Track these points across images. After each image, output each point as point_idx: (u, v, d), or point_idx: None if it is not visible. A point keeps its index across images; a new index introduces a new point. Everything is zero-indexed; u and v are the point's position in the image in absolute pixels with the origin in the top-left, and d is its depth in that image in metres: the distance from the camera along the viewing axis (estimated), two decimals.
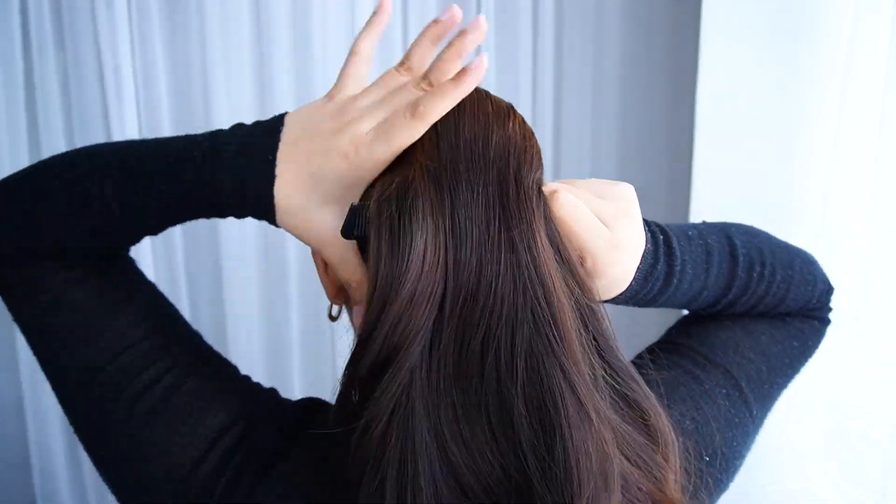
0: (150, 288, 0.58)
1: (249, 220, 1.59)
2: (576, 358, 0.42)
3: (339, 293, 0.56)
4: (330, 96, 0.50)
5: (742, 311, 0.64)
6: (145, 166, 0.48)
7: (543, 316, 0.42)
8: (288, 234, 1.47)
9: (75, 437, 1.62)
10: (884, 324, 1.15)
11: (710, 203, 1.19)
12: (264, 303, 1.43)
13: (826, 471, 1.16)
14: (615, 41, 1.43)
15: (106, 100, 1.29)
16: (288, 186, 0.45)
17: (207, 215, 0.50)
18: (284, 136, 0.47)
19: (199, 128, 1.34)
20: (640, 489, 0.43)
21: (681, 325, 0.67)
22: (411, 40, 1.40)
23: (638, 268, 0.52)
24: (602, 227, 0.48)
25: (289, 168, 0.45)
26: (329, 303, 0.58)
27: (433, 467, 0.41)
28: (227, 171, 0.46)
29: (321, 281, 0.56)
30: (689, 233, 0.58)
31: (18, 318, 0.55)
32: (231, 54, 1.33)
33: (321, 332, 1.43)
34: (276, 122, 0.48)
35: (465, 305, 0.42)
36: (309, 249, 0.56)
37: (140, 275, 0.59)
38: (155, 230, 0.53)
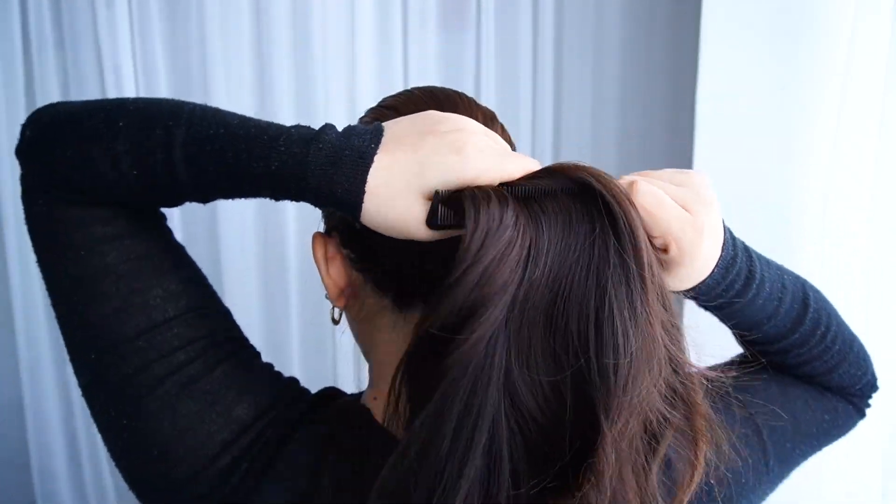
0: (187, 257, 0.55)
1: (249, 221, 1.59)
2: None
3: (340, 295, 0.55)
4: (430, 115, 0.48)
5: (793, 364, 0.65)
6: (228, 129, 0.46)
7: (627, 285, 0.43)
8: (288, 234, 1.47)
9: (75, 437, 1.62)
10: (884, 323, 1.15)
11: None
12: (264, 302, 1.43)
13: (827, 471, 1.16)
14: (615, 41, 1.43)
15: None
16: (387, 172, 0.44)
17: (279, 195, 0.47)
18: (388, 134, 0.45)
19: None
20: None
21: (716, 365, 0.67)
22: (411, 40, 1.41)
23: (720, 256, 0.53)
24: (684, 211, 0.49)
25: (391, 156, 0.44)
26: (331, 306, 0.58)
27: (499, 408, 0.42)
28: (324, 151, 0.44)
29: (323, 281, 0.55)
30: (769, 260, 0.61)
31: (44, 259, 0.52)
32: (231, 54, 1.33)
33: (321, 332, 1.43)
34: (378, 125, 0.47)
35: (547, 278, 0.43)
36: (309, 251, 0.56)
37: (175, 240, 0.56)
38: (213, 196, 0.50)
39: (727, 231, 0.55)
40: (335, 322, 0.59)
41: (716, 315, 0.61)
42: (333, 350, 1.42)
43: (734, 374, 0.56)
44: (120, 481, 0.59)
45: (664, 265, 0.50)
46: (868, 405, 0.70)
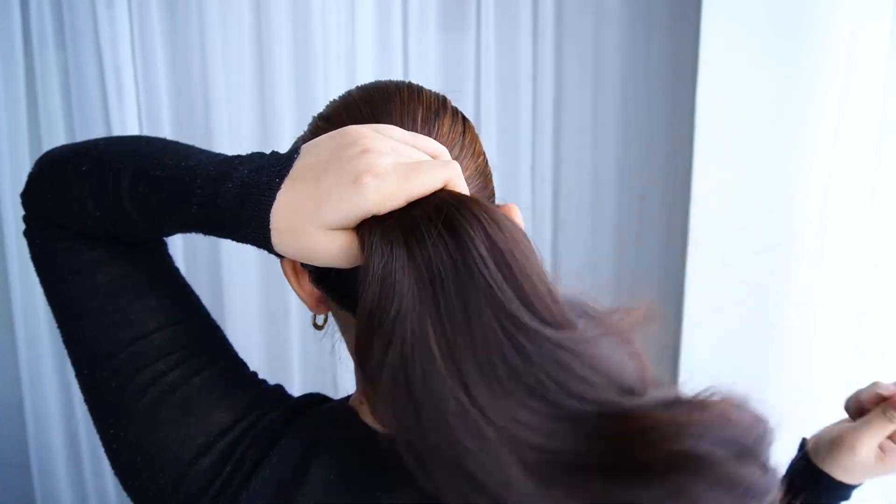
0: (174, 277, 0.59)
1: None
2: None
3: (318, 303, 0.56)
4: (345, 131, 0.48)
5: None
6: (164, 171, 0.48)
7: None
8: None
9: (75, 437, 1.62)
10: (885, 323, 1.15)
11: (710, 203, 1.19)
12: (264, 304, 1.43)
13: None
14: (615, 41, 1.43)
15: (106, 99, 1.29)
16: (287, 209, 0.44)
17: (208, 232, 0.49)
18: (299, 162, 0.45)
19: (198, 127, 1.35)
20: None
21: None
22: (411, 40, 1.41)
23: None
24: None
25: (293, 190, 0.44)
26: (313, 314, 0.59)
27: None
28: (234, 191, 0.45)
29: (297, 294, 0.56)
30: None
31: (45, 286, 0.56)
32: (231, 54, 1.33)
33: (320, 332, 1.43)
34: (293, 152, 0.47)
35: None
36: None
37: (166, 261, 0.59)
38: (163, 234, 0.53)
39: None
40: (318, 328, 0.60)
41: None
42: (333, 358, 1.42)
43: None
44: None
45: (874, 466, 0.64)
46: None
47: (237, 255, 1.38)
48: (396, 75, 1.39)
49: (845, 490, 0.67)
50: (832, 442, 0.68)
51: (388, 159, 0.44)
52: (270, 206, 0.44)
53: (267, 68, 1.34)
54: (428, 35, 1.40)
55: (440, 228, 0.43)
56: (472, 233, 0.43)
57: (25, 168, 1.34)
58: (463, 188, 0.47)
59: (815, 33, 1.07)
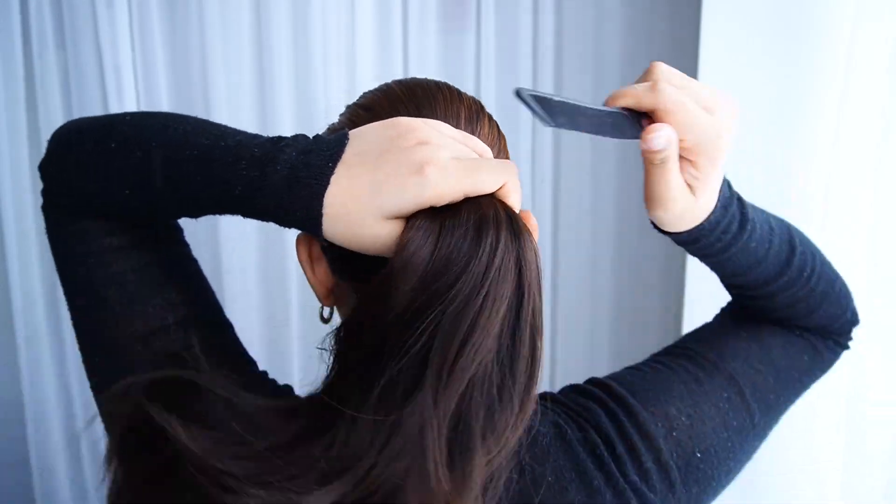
0: (193, 268, 0.58)
1: (251, 223, 1.59)
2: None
3: (328, 294, 0.56)
4: (396, 122, 0.47)
5: (775, 307, 0.65)
6: (201, 151, 0.46)
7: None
8: (289, 234, 1.47)
9: (75, 437, 1.62)
10: (885, 323, 1.15)
11: None
12: (264, 303, 1.43)
13: (832, 474, 1.16)
14: (615, 42, 1.43)
15: (106, 99, 1.29)
16: (343, 195, 0.43)
17: (247, 215, 0.48)
18: (350, 148, 0.45)
19: None
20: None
21: (695, 334, 0.69)
22: (411, 40, 1.41)
23: (719, 194, 0.53)
24: (708, 119, 0.47)
25: (349, 177, 0.43)
26: (321, 305, 0.58)
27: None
28: (282, 173, 0.44)
29: (309, 282, 0.56)
30: (754, 205, 0.62)
31: (59, 265, 0.55)
32: (231, 54, 1.33)
33: (321, 333, 1.43)
34: (342, 137, 0.46)
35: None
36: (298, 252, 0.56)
37: (185, 250, 0.59)
38: (195, 214, 0.51)
39: (725, 178, 0.56)
40: (324, 321, 0.59)
41: (710, 262, 0.62)
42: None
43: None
44: None
45: (684, 198, 0.50)
46: (850, 338, 0.71)
47: (237, 255, 1.38)
48: (396, 75, 1.39)
49: (691, 234, 0.56)
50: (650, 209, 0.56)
51: (446, 152, 0.44)
52: (323, 191, 0.43)
53: (267, 68, 1.34)
54: (428, 35, 1.40)
55: (507, 235, 0.44)
56: (528, 255, 0.44)
57: (25, 168, 1.35)
58: (518, 190, 0.47)
59: (815, 33, 1.07)
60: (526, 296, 0.44)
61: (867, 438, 1.17)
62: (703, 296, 1.22)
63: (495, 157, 0.52)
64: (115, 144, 0.49)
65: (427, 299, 0.42)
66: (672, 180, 0.49)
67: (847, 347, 0.71)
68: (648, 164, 0.49)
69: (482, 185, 0.45)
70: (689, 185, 0.50)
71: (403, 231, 0.44)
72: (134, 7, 1.29)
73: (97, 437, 1.30)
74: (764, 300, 0.65)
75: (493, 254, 0.43)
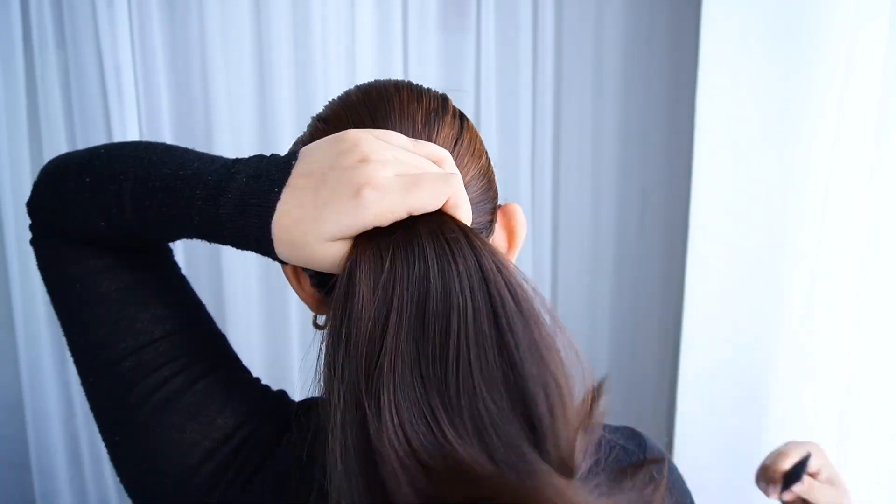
0: (179, 283, 0.59)
1: None
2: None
3: (319, 305, 0.57)
4: (343, 137, 0.47)
5: None
6: (163, 182, 0.48)
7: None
8: None
9: (75, 437, 1.62)
10: (884, 322, 1.15)
11: (710, 203, 1.19)
12: (264, 304, 1.43)
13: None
14: (615, 41, 1.43)
15: (107, 99, 1.29)
16: (289, 218, 0.44)
17: (213, 241, 0.49)
18: (297, 169, 0.45)
19: (199, 127, 1.35)
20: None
21: None
22: (411, 40, 1.41)
23: None
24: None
25: (293, 201, 0.44)
26: (313, 314, 0.59)
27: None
28: (233, 201, 0.45)
29: (299, 296, 0.57)
30: None
31: (52, 294, 0.56)
32: (231, 54, 1.33)
33: (321, 334, 1.43)
34: (290, 157, 0.46)
35: (417, 308, 0.43)
36: None
37: (172, 268, 0.59)
38: (169, 240, 0.53)
39: None
40: (318, 327, 0.59)
41: None
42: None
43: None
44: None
45: None
46: None
47: (238, 256, 1.38)
48: (396, 75, 1.39)
49: None
50: None
51: (388, 170, 0.44)
52: (271, 217, 0.44)
53: (267, 68, 1.34)
54: (428, 35, 1.40)
55: (437, 255, 0.44)
56: (461, 269, 0.43)
57: (25, 168, 1.35)
58: (465, 203, 0.46)
59: (814, 33, 1.07)
60: (491, 303, 0.43)
61: (867, 438, 1.17)
62: (704, 296, 1.22)
63: (459, 156, 0.52)
64: (90, 179, 0.51)
65: (380, 320, 0.43)
66: None
67: None
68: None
69: (422, 202, 0.44)
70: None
71: (346, 256, 0.44)
72: (134, 7, 1.29)
73: (97, 436, 1.30)
74: None
75: (426, 271, 0.43)
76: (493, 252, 0.45)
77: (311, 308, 0.57)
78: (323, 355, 0.45)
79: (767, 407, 1.17)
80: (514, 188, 1.47)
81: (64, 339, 0.57)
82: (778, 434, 1.12)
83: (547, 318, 0.45)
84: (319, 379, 0.46)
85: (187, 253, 1.40)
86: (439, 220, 0.45)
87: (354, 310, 0.43)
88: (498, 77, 1.43)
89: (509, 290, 0.44)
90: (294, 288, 0.57)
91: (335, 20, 1.35)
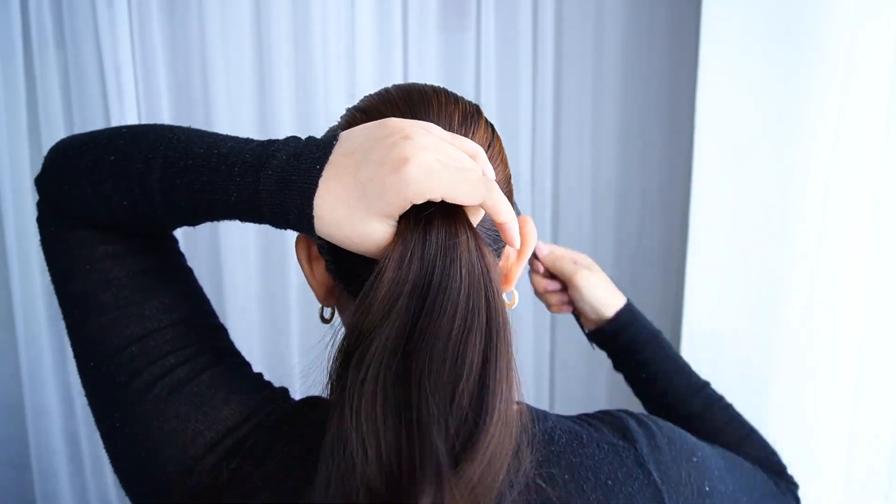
0: (186, 274, 0.59)
1: (251, 228, 1.59)
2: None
3: (328, 295, 0.57)
4: (386, 122, 0.48)
5: (714, 429, 0.77)
6: (196, 160, 0.47)
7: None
8: (289, 235, 1.47)
9: (75, 437, 1.62)
10: (885, 322, 1.15)
11: (710, 203, 1.19)
12: (264, 302, 1.43)
13: (832, 473, 1.16)
14: (615, 41, 1.43)
15: (107, 99, 1.29)
16: (332, 197, 0.44)
17: (247, 220, 0.49)
18: (338, 148, 0.45)
19: (198, 127, 1.35)
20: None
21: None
22: (411, 40, 1.41)
23: (625, 302, 0.82)
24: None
25: (336, 178, 0.44)
26: (321, 306, 0.59)
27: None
28: (273, 178, 0.45)
29: (309, 284, 0.57)
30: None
31: (54, 275, 0.55)
32: (231, 54, 1.33)
33: (321, 333, 1.43)
34: (331, 138, 0.47)
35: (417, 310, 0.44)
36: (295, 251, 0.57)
37: (179, 259, 0.60)
38: (193, 223, 0.52)
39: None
40: (325, 321, 0.59)
41: (644, 370, 0.80)
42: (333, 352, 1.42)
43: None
44: None
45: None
46: (795, 487, 0.77)
47: (238, 254, 1.38)
48: (396, 75, 1.39)
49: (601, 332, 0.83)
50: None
51: (429, 154, 0.44)
52: (313, 193, 0.44)
53: (267, 68, 1.34)
54: (428, 35, 1.40)
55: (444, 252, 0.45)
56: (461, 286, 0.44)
57: (25, 168, 1.35)
58: (505, 206, 0.47)
59: (815, 33, 1.07)
60: (481, 315, 0.45)
61: (868, 438, 1.18)
62: (703, 296, 1.22)
63: (488, 156, 0.53)
64: (115, 157, 0.50)
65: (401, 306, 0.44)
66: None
67: (795, 496, 0.75)
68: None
69: (463, 195, 0.45)
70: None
71: (392, 240, 0.45)
72: (134, 7, 1.29)
73: (97, 436, 1.30)
74: (701, 419, 0.77)
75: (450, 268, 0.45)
76: (489, 267, 0.46)
77: (319, 297, 0.57)
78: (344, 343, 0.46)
79: (767, 406, 1.17)
80: (514, 188, 1.47)
81: (64, 330, 0.57)
82: (778, 434, 1.12)
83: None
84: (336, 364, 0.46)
85: (188, 250, 1.40)
86: (456, 217, 0.46)
87: (402, 293, 0.44)
88: (498, 77, 1.43)
89: (487, 307, 0.45)
90: (305, 274, 0.57)
91: (335, 20, 1.35)
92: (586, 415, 0.60)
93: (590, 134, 1.47)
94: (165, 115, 1.35)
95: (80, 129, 1.32)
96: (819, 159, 1.10)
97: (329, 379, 0.46)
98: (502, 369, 0.44)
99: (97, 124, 1.30)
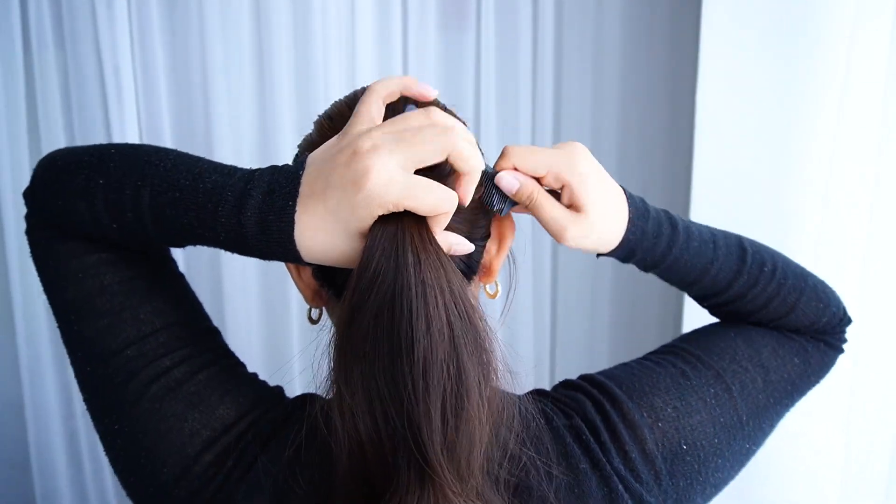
0: (179, 279, 0.60)
1: None
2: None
3: (315, 296, 0.58)
4: (343, 132, 0.49)
5: (753, 310, 0.66)
6: (183, 193, 0.48)
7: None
8: None
9: (75, 437, 1.62)
10: (884, 322, 1.15)
11: (710, 203, 1.19)
12: (264, 302, 1.43)
13: (831, 472, 1.16)
14: (615, 41, 1.43)
15: (106, 99, 1.29)
16: (310, 229, 0.46)
17: (236, 253, 0.51)
18: (305, 178, 0.46)
19: (198, 128, 1.35)
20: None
21: (685, 335, 0.69)
22: (411, 40, 1.41)
23: (629, 209, 0.57)
24: (557, 154, 0.54)
25: (309, 212, 0.45)
26: (308, 307, 0.60)
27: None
28: (253, 219, 0.46)
29: (297, 286, 0.58)
30: (693, 221, 0.65)
31: (47, 286, 0.56)
32: (231, 54, 1.33)
33: (321, 333, 1.43)
34: (298, 167, 0.47)
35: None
36: None
37: (171, 264, 0.60)
38: (180, 245, 0.54)
39: (627, 192, 0.59)
40: (313, 322, 0.61)
41: (664, 273, 0.64)
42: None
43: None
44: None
45: (574, 220, 0.54)
46: (843, 339, 0.71)
47: (237, 255, 1.38)
48: (396, 74, 1.39)
49: (623, 249, 0.60)
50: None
51: (383, 155, 0.45)
52: (292, 231, 0.46)
53: (267, 68, 1.34)
54: (428, 35, 1.40)
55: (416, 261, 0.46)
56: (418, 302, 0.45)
57: (25, 168, 1.35)
58: (473, 153, 0.47)
59: (815, 33, 1.07)
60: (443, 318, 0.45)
61: (867, 439, 1.17)
62: None
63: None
64: (104, 181, 0.51)
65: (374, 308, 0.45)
66: (551, 211, 0.54)
67: (841, 350, 0.71)
68: (526, 209, 0.55)
69: (423, 155, 0.46)
70: (575, 208, 0.54)
71: (363, 248, 0.46)
72: (134, 7, 1.29)
73: (97, 436, 1.30)
74: (738, 303, 0.67)
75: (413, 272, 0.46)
76: (451, 268, 0.48)
77: (307, 299, 0.58)
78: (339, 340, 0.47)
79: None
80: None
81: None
82: (777, 433, 1.12)
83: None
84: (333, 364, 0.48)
85: (188, 249, 1.40)
86: (420, 233, 0.47)
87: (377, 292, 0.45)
88: (498, 77, 1.43)
89: (458, 313, 0.46)
90: (293, 277, 0.58)
91: (335, 20, 1.35)
92: (553, 391, 0.61)
93: (590, 134, 1.47)
94: (165, 116, 1.35)
95: (79, 129, 1.32)
96: (818, 159, 1.10)
97: (328, 375, 0.48)
98: (473, 354, 0.46)
99: (97, 125, 1.30)
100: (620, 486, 0.54)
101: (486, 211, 0.56)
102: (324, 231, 0.46)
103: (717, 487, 0.60)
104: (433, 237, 0.48)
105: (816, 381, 0.68)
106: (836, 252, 1.12)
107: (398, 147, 0.45)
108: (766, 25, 1.10)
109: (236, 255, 1.50)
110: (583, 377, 0.62)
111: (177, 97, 1.36)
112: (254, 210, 0.46)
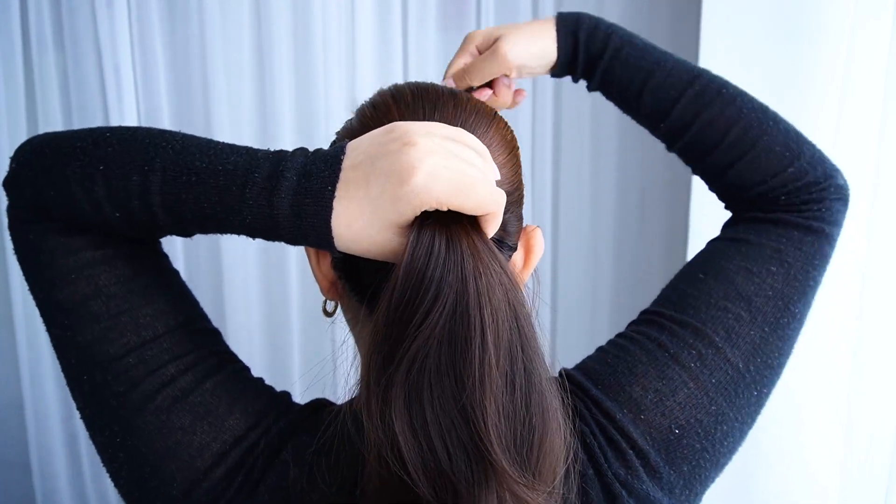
0: (175, 277, 0.56)
1: None
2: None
3: (331, 287, 0.55)
4: (395, 124, 0.47)
5: (711, 145, 0.67)
6: (200, 176, 0.46)
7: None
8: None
9: (75, 437, 1.62)
10: (884, 322, 1.15)
11: (710, 203, 1.19)
12: (264, 303, 1.43)
13: (831, 472, 1.16)
14: None
15: (106, 99, 1.29)
16: (347, 216, 0.44)
17: (261, 237, 0.47)
18: (346, 162, 0.45)
19: (198, 127, 1.35)
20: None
21: (660, 295, 0.64)
22: (411, 39, 1.41)
23: (556, 20, 0.71)
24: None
25: (349, 197, 0.44)
26: (324, 299, 0.58)
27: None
28: (286, 202, 0.44)
29: (314, 275, 0.56)
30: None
31: (36, 286, 0.53)
32: (231, 54, 1.33)
33: (321, 332, 1.43)
34: (338, 152, 0.45)
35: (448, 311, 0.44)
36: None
37: (166, 261, 0.57)
38: (189, 234, 0.51)
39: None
40: (327, 314, 0.58)
41: (608, 86, 0.71)
42: (334, 358, 1.42)
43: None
44: None
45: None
46: (831, 218, 0.64)
47: (238, 253, 1.38)
48: (396, 74, 1.39)
49: (565, 57, 0.77)
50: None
51: (435, 158, 0.43)
52: (329, 216, 0.44)
53: (267, 68, 1.34)
54: (428, 35, 1.40)
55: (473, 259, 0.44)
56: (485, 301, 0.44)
57: None
58: (498, 221, 0.46)
59: (815, 32, 1.07)
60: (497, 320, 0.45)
61: (867, 438, 1.17)
62: None
63: (501, 163, 0.52)
64: (104, 167, 0.47)
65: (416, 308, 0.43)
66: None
67: (825, 234, 0.63)
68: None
69: (467, 205, 0.44)
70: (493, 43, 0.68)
71: (407, 244, 0.44)
72: (133, 7, 1.29)
73: None
74: (694, 130, 0.67)
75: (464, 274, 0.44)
76: (510, 271, 0.46)
77: (323, 290, 0.56)
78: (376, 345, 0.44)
79: (766, 405, 1.17)
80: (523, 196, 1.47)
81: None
82: (776, 434, 1.12)
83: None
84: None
85: (188, 249, 1.40)
86: (471, 225, 0.46)
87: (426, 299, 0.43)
88: None
89: (509, 303, 0.46)
90: (311, 266, 0.56)
91: (335, 20, 1.35)
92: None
93: (590, 134, 1.47)
94: (165, 116, 1.35)
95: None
96: None
97: (363, 381, 0.44)
98: (537, 360, 0.45)
99: (96, 124, 1.30)
100: (623, 492, 0.51)
101: (519, 216, 0.55)
102: (360, 219, 0.44)
103: (732, 451, 0.56)
104: (489, 242, 0.46)
105: (814, 279, 0.61)
106: (836, 251, 1.12)
107: (451, 175, 0.44)
108: (766, 25, 1.10)
109: (237, 253, 1.49)
110: (563, 375, 0.59)
111: (177, 97, 1.36)
112: (288, 192, 0.44)
